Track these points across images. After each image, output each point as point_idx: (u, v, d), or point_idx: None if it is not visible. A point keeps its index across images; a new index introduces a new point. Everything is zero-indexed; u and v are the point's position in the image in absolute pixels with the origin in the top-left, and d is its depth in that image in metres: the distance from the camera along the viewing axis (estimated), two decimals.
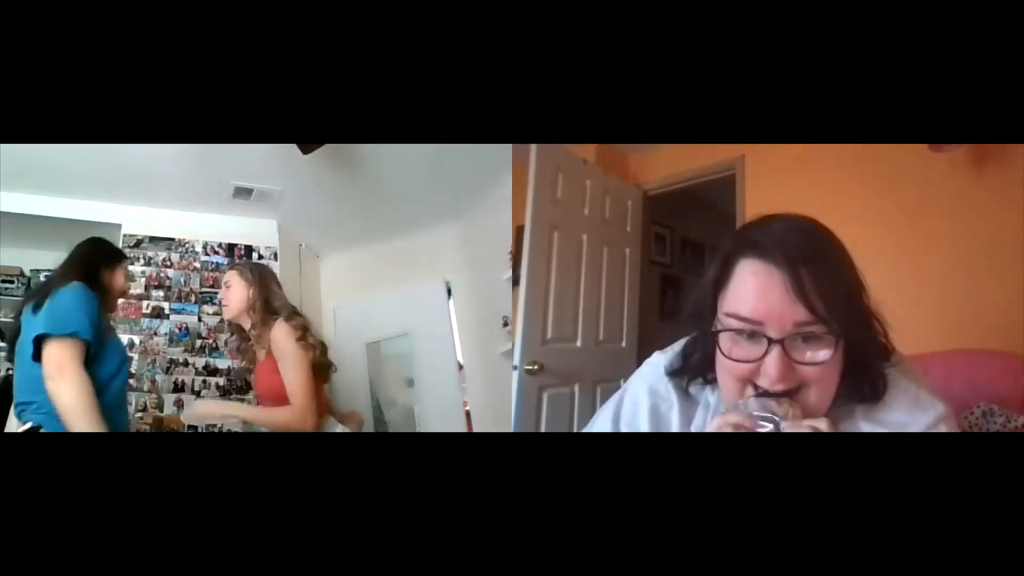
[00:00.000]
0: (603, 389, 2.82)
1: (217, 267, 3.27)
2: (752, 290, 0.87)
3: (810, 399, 0.88)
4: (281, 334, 1.89)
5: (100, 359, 1.59)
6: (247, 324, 2.00)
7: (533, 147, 2.62)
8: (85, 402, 1.43)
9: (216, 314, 3.17)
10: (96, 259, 1.82)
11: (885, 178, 2.52)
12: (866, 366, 0.93)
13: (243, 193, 3.15)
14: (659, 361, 1.10)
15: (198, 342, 3.11)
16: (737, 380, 0.91)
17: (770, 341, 0.85)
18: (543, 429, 2.52)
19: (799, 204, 1.05)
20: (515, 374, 2.46)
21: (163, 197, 3.13)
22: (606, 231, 3.05)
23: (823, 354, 0.85)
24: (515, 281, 2.80)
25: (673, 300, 3.97)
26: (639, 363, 1.15)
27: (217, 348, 3.13)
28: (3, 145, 2.39)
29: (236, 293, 2.01)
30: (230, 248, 3.33)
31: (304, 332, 1.93)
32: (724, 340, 0.90)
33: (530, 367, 2.48)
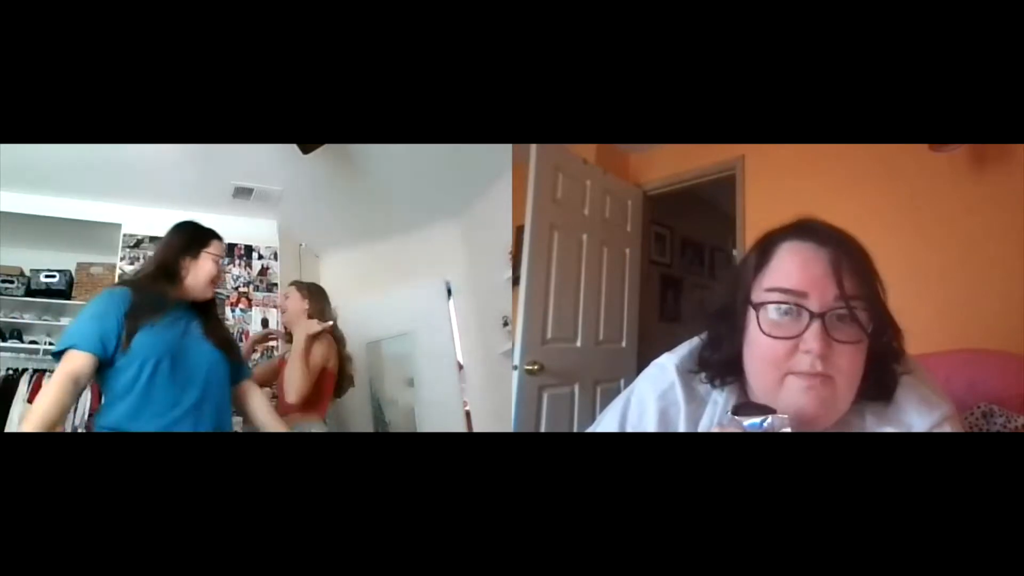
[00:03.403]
0: (603, 389, 2.81)
1: None
2: (796, 264, 0.92)
3: (839, 386, 0.89)
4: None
5: (118, 369, 1.51)
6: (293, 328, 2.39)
7: (533, 147, 2.61)
8: (48, 414, 1.41)
9: None
10: (172, 253, 1.69)
11: (885, 178, 2.51)
12: (883, 367, 0.94)
13: (243, 193, 3.15)
14: (668, 362, 1.08)
15: None
16: (773, 365, 0.91)
17: (811, 315, 0.88)
18: (543, 429, 2.52)
19: (799, 204, 1.05)
20: (515, 374, 2.46)
21: (163, 197, 3.13)
22: (606, 231, 3.05)
23: (858, 334, 0.88)
24: (515, 281, 2.80)
25: (673, 300, 3.96)
26: (639, 363, 1.15)
27: None
28: (3, 145, 2.39)
29: (292, 303, 2.46)
30: (230, 248, 3.33)
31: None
32: (764, 320, 0.92)
33: (530, 367, 2.48)
